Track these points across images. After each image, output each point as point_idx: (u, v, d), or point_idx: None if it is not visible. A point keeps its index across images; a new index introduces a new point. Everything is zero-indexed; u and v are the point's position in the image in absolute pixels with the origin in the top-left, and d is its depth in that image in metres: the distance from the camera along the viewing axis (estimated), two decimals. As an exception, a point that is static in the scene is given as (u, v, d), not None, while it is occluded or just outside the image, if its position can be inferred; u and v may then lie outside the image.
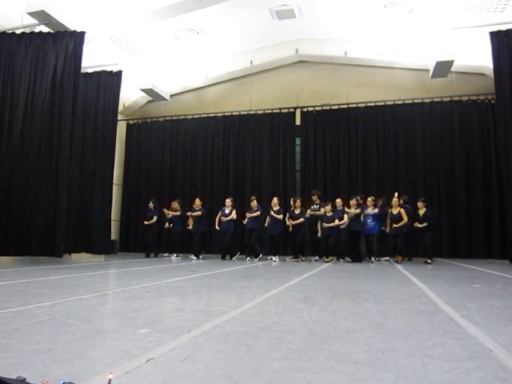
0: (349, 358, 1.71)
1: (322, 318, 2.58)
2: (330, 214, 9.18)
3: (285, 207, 10.04)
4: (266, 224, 9.74)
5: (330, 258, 9.15)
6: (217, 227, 10.11)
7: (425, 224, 8.99)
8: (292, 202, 9.58)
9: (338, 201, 9.35)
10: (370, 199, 9.15)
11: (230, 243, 9.99)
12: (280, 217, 9.46)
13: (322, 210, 9.22)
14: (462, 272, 6.61)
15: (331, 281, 5.08)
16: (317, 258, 9.41)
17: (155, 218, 10.90)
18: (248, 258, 9.47)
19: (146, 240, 11.05)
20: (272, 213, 9.46)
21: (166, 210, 10.71)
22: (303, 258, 9.39)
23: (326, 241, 9.21)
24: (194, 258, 9.82)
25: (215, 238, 11.48)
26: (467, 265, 8.26)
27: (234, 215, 9.89)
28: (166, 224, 10.68)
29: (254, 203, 9.78)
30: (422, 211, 9.08)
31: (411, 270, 6.66)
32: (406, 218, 8.88)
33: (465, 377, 1.49)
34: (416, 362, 1.66)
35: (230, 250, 10.01)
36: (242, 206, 10.65)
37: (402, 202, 9.31)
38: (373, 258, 8.98)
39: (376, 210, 8.99)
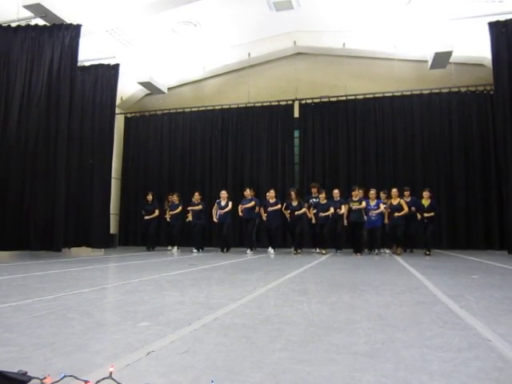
0: (348, 349, 1.72)
1: (322, 309, 2.59)
2: (324, 202, 9.16)
3: (283, 199, 10.04)
4: (265, 218, 9.68)
5: (325, 251, 9.13)
6: (215, 219, 10.10)
7: (432, 214, 8.88)
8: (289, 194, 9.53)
9: (336, 191, 9.33)
10: (372, 191, 9.09)
11: (228, 235, 10.00)
12: (277, 207, 9.42)
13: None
14: (461, 263, 6.63)
15: (330, 273, 5.10)
16: (317, 250, 9.37)
17: (157, 212, 10.91)
18: (248, 250, 9.43)
19: (147, 233, 11.00)
20: (269, 208, 9.43)
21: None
22: (299, 251, 9.27)
23: (320, 230, 9.17)
24: (195, 251, 9.86)
25: (215, 232, 11.49)
26: (466, 256, 8.29)
27: (230, 207, 9.87)
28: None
29: (248, 192, 9.74)
30: (427, 202, 8.98)
31: (410, 262, 6.69)
32: (406, 209, 8.86)
33: (463, 367, 1.50)
34: (415, 353, 1.67)
35: (228, 242, 10.02)
36: (239, 199, 10.62)
37: (408, 197, 9.27)
38: (376, 251, 8.98)
39: (382, 208, 8.92)
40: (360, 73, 12.07)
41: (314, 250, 9.52)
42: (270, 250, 9.39)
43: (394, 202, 9.02)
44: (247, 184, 11.73)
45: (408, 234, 9.41)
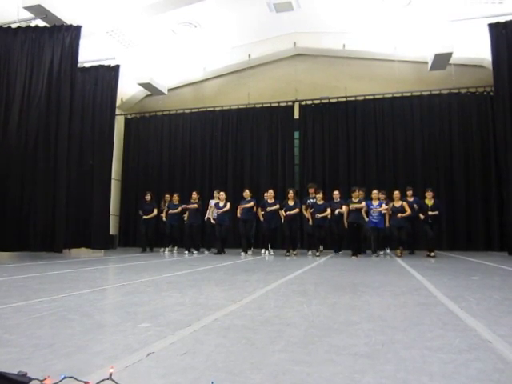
0: (348, 350, 1.72)
1: (322, 310, 2.59)
2: (321, 202, 9.12)
3: (283, 200, 10.02)
4: (262, 219, 9.64)
5: (319, 251, 9.07)
6: (212, 221, 10.10)
7: (436, 212, 8.82)
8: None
9: (336, 193, 9.30)
10: (375, 191, 9.06)
11: (226, 237, 10.00)
12: (275, 208, 9.32)
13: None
14: (461, 264, 6.63)
15: (330, 274, 5.09)
16: (317, 253, 9.27)
17: (155, 211, 10.90)
18: (242, 253, 9.36)
19: (146, 234, 10.98)
20: (268, 208, 9.38)
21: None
22: (288, 253, 9.10)
23: (318, 231, 9.10)
24: (195, 251, 9.86)
25: (210, 232, 11.45)
26: (466, 257, 8.28)
27: (228, 207, 9.86)
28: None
29: (247, 193, 9.71)
30: (430, 202, 8.92)
31: (410, 263, 6.68)
32: (409, 211, 8.82)
33: (464, 368, 1.50)
34: (415, 354, 1.66)
35: (225, 243, 10.01)
36: (239, 200, 10.60)
37: (411, 197, 9.20)
38: (377, 252, 8.96)
39: (384, 207, 8.89)
40: (360, 74, 12.08)
41: (308, 252, 9.40)
42: (270, 251, 9.36)
43: (397, 204, 8.96)
44: (247, 185, 11.73)
45: (410, 236, 9.38)
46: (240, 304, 2.81)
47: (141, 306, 2.72)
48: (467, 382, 1.36)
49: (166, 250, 10.61)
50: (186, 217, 10.39)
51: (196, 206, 10.21)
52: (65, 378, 1.27)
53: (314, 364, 1.54)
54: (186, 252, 9.80)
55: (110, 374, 1.26)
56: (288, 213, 9.08)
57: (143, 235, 10.99)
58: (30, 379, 1.28)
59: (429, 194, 8.99)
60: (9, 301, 2.89)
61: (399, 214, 8.76)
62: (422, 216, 8.94)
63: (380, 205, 8.91)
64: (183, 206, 10.39)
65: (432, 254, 8.59)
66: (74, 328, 2.11)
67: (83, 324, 2.20)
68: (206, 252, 10.28)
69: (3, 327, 2.11)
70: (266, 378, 1.40)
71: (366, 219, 8.98)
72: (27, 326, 2.13)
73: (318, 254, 9.06)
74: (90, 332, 2.03)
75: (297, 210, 9.11)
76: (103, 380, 1.25)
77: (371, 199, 9.05)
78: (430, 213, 8.82)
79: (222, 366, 1.51)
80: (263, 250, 9.40)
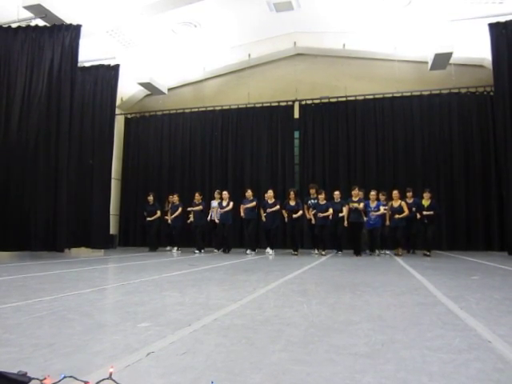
0: (348, 350, 1.72)
1: (322, 310, 2.59)
2: (323, 202, 9.14)
3: (283, 200, 10.02)
4: (264, 219, 9.66)
5: (325, 252, 9.08)
6: (216, 221, 10.11)
7: (431, 212, 8.81)
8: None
9: (336, 193, 9.31)
10: (373, 193, 9.06)
11: (229, 237, 10.01)
12: (275, 208, 9.36)
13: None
14: (461, 264, 6.63)
15: (330, 274, 5.10)
16: (317, 251, 9.32)
17: (158, 213, 10.92)
18: (249, 251, 9.42)
19: (149, 235, 11.03)
20: (268, 209, 9.40)
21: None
22: (297, 252, 9.18)
23: (320, 231, 9.12)
24: (197, 251, 9.88)
25: (214, 232, 11.47)
26: (466, 257, 8.28)
27: (230, 207, 9.88)
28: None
29: (249, 193, 9.75)
30: (427, 202, 8.92)
31: (410, 263, 6.68)
32: (407, 211, 8.82)
33: (464, 368, 1.50)
34: (415, 354, 1.66)
35: (228, 243, 10.04)
36: (239, 200, 10.60)
37: (411, 198, 9.19)
38: (377, 252, 8.96)
39: (382, 210, 8.87)
40: (360, 74, 12.07)
41: (313, 251, 9.46)
42: (269, 250, 9.38)
43: (395, 203, 8.95)
44: (247, 184, 11.73)
45: (409, 236, 9.37)
46: (240, 304, 2.81)
47: (141, 306, 2.72)
48: (467, 382, 1.36)
49: (174, 249, 10.66)
50: (191, 217, 10.41)
51: (201, 207, 10.26)
52: (65, 377, 1.27)
53: (313, 364, 1.54)
54: (197, 251, 9.85)
55: (110, 374, 1.26)
56: (294, 216, 9.10)
57: (148, 236, 11.11)
58: (30, 379, 1.28)
59: (426, 195, 8.99)
60: (9, 300, 2.89)
61: (396, 215, 8.78)
62: (418, 216, 8.98)
63: (378, 206, 8.90)
64: (189, 208, 10.41)
65: (428, 253, 8.59)
66: (73, 328, 2.11)
67: (83, 324, 2.20)
68: (216, 251, 10.31)
69: (3, 327, 2.11)
70: (266, 377, 1.40)
71: (365, 218, 8.98)
72: (27, 326, 2.13)
73: (317, 252, 9.12)
74: (89, 332, 2.03)
75: (301, 213, 9.14)
76: (103, 380, 1.25)
77: (370, 199, 9.06)
78: (424, 212, 8.83)
79: (221, 366, 1.51)
80: (268, 249, 9.44)
